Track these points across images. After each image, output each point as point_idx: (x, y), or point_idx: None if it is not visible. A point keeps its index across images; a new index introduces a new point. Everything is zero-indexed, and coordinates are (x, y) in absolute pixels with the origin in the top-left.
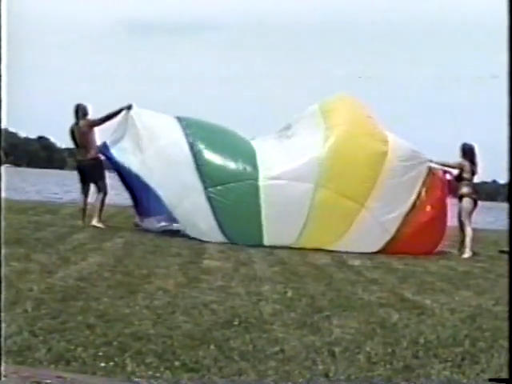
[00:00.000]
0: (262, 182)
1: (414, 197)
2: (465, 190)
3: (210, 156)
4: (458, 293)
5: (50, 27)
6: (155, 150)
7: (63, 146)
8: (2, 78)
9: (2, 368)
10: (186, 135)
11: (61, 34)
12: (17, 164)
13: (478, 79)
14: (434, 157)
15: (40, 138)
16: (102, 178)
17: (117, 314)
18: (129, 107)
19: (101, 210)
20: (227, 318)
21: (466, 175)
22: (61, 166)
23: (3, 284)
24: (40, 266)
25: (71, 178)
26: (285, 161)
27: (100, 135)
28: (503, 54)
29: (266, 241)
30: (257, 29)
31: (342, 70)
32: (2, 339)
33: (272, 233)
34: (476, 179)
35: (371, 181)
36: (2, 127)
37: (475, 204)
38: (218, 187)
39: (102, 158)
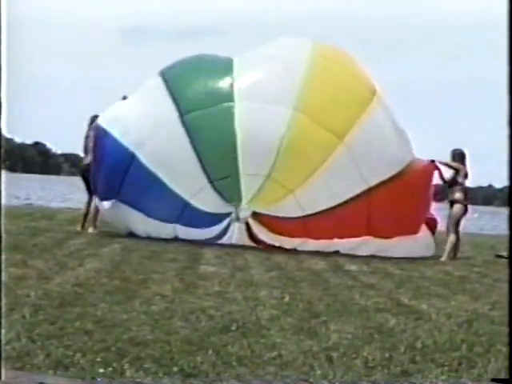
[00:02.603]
0: (237, 104)
1: (400, 165)
2: (458, 195)
3: (184, 84)
4: (455, 298)
5: (47, 34)
6: (133, 98)
7: (59, 152)
8: (2, 85)
9: (3, 369)
10: (163, 76)
11: (58, 41)
12: (12, 170)
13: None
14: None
15: (36, 143)
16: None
17: (114, 320)
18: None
19: (94, 216)
20: (225, 323)
21: (460, 179)
22: (56, 171)
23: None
24: (37, 272)
25: (67, 183)
26: (262, 77)
27: None
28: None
29: (241, 167)
30: (256, 34)
31: None
32: (2, 340)
33: (247, 158)
34: (472, 184)
35: (353, 118)
36: None
37: (466, 210)
38: (194, 113)
39: None
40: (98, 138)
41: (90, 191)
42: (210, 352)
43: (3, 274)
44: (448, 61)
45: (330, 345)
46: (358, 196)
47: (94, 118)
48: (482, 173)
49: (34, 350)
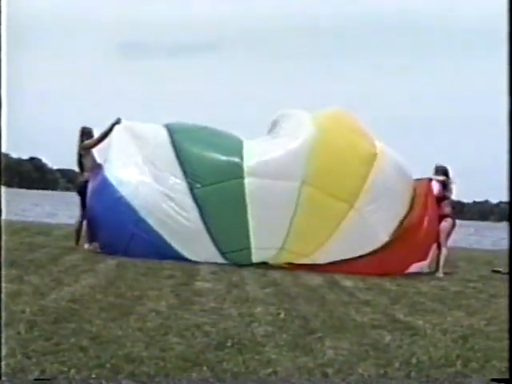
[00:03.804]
0: (247, 181)
1: (406, 208)
2: (447, 209)
3: (195, 156)
4: (450, 313)
5: (45, 48)
6: (142, 157)
7: (55, 167)
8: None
9: (3, 368)
10: (172, 138)
11: (56, 55)
12: (9, 185)
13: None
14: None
15: (32, 158)
16: None
17: (109, 336)
18: (117, 122)
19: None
20: (220, 339)
21: (447, 193)
22: (53, 186)
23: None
24: (33, 288)
25: (63, 199)
26: (270, 156)
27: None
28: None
29: (253, 242)
30: (255, 48)
31: (339, 86)
32: (3, 340)
33: (259, 233)
34: (468, 199)
35: (361, 181)
36: None
37: (454, 223)
38: (205, 188)
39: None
40: (104, 189)
41: (84, 208)
42: (205, 368)
43: None
44: (444, 71)
45: (326, 361)
46: (373, 251)
47: (84, 129)
48: (479, 188)
49: (29, 366)
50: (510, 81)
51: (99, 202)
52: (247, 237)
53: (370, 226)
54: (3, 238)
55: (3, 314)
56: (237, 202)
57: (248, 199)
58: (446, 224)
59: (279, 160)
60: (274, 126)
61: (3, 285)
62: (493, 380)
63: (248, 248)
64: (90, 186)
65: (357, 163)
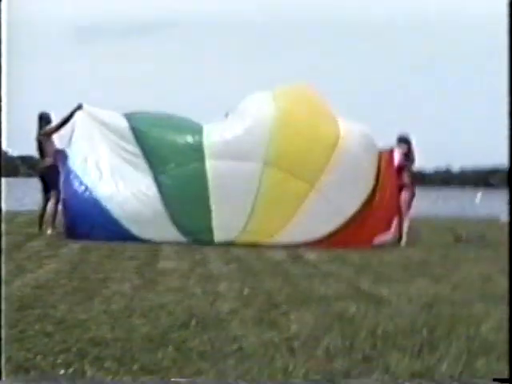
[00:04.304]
0: (207, 163)
1: (371, 183)
2: (407, 179)
3: (156, 142)
4: (415, 281)
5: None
6: (105, 145)
7: (15, 154)
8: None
9: (3, 368)
10: (132, 126)
11: (11, 40)
12: None
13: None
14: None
15: None
16: (56, 185)
17: (74, 320)
18: (79, 107)
19: (53, 217)
20: (184, 318)
21: (408, 163)
22: (14, 173)
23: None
24: None
25: (25, 185)
26: (229, 136)
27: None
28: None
29: (215, 224)
30: (206, 26)
31: (301, 66)
32: (3, 340)
33: (221, 215)
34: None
35: (323, 162)
36: None
37: (413, 193)
38: (167, 173)
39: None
40: (68, 178)
41: (46, 193)
42: (171, 348)
43: None
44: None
45: (291, 335)
46: (336, 230)
47: (42, 115)
48: (441, 156)
49: None
50: (510, 81)
51: (65, 189)
52: (209, 219)
53: (333, 205)
54: None
55: None
56: (198, 185)
57: (209, 181)
58: (406, 194)
59: (239, 140)
60: (233, 111)
61: None
62: (494, 380)
63: (210, 229)
64: (62, 174)
65: (319, 144)
